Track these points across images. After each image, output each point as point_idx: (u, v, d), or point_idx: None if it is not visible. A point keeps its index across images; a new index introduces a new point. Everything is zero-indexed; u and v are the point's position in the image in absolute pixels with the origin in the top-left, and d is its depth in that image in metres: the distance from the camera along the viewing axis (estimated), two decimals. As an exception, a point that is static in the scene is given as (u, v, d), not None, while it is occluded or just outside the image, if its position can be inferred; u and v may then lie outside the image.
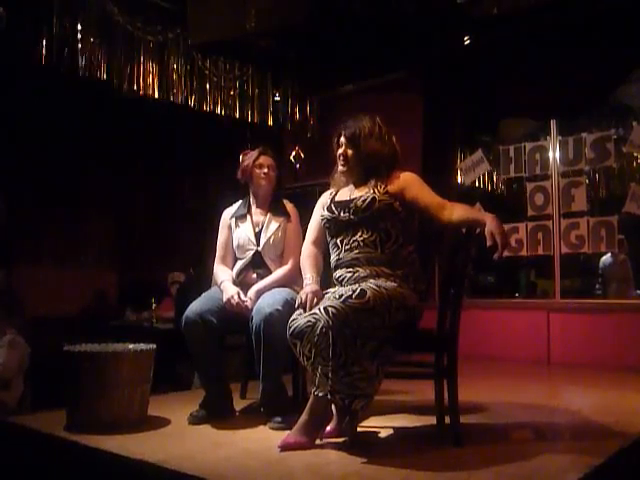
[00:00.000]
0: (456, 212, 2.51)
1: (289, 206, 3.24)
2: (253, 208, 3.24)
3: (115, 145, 6.89)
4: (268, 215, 3.19)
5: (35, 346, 4.83)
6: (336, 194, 2.79)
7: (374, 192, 2.60)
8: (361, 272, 2.57)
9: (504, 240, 2.35)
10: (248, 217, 3.21)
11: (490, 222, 2.38)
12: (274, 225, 3.15)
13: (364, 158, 2.67)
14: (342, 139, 2.72)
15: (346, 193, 2.74)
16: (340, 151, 2.73)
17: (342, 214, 2.64)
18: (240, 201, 3.31)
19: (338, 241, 2.66)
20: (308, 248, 2.82)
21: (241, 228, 3.19)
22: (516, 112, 5.96)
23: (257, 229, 3.16)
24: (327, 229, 2.73)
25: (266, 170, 3.18)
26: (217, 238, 3.29)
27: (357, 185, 2.73)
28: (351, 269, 2.59)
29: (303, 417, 2.43)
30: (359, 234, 2.60)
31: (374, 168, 2.68)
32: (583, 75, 5.09)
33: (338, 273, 2.65)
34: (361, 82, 6.32)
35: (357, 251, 2.59)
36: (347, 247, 2.62)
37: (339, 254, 2.65)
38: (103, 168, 6.93)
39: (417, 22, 5.08)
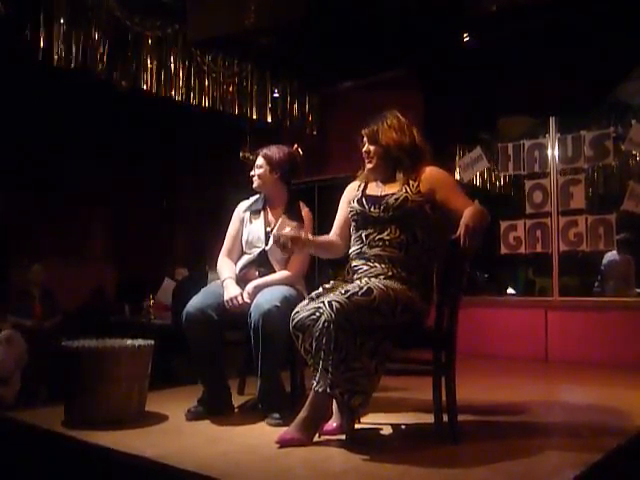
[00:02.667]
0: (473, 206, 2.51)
1: (305, 211, 3.20)
2: (268, 206, 3.21)
3: (113, 143, 6.89)
4: (282, 216, 3.15)
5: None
6: (366, 187, 2.77)
7: (406, 191, 2.60)
8: (378, 269, 2.56)
9: (468, 229, 2.31)
10: (262, 214, 3.18)
11: (467, 211, 2.39)
12: (286, 228, 3.11)
13: (385, 150, 2.67)
14: (364, 138, 2.74)
15: (376, 188, 2.73)
16: (363, 149, 2.74)
17: (372, 209, 2.63)
18: (257, 195, 3.28)
19: (363, 235, 2.65)
20: (332, 237, 2.83)
21: (253, 224, 3.17)
22: (515, 109, 5.95)
23: (268, 228, 3.13)
24: (354, 221, 2.72)
25: (252, 171, 3.19)
26: (216, 234, 3.28)
27: (385, 182, 2.71)
28: (370, 263, 2.59)
29: (302, 413, 2.42)
30: (386, 232, 2.59)
31: (397, 159, 2.67)
32: (582, 73, 5.09)
33: (354, 263, 2.65)
34: (360, 79, 6.32)
35: (381, 249, 2.59)
36: (372, 243, 2.61)
37: (362, 247, 2.64)
38: (102, 166, 6.93)
39: (416, 19, 5.07)
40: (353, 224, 2.74)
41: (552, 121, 5.31)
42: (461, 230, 2.33)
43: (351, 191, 2.83)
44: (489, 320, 5.40)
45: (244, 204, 3.28)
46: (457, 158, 6.19)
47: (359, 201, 2.70)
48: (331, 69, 6.04)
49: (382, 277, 2.52)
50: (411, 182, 2.62)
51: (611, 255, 6.31)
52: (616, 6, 4.69)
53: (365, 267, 2.60)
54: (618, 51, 4.96)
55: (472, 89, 5.72)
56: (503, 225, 5.44)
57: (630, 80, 5.42)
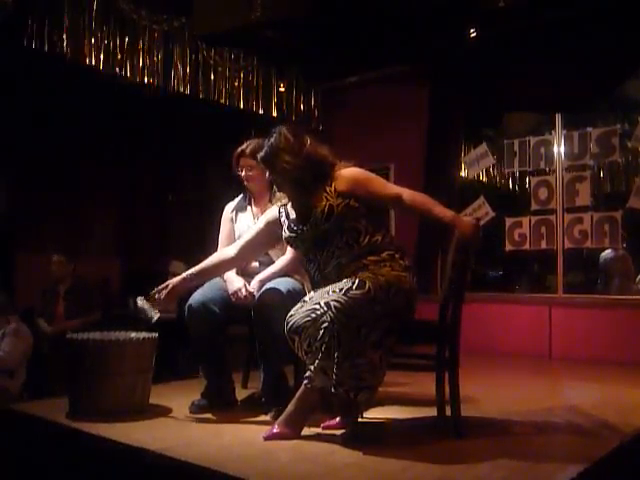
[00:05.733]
0: (417, 205, 2.51)
1: None
2: (254, 200, 3.25)
3: (118, 136, 6.89)
4: (268, 205, 3.15)
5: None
6: (288, 213, 2.71)
7: (327, 199, 2.52)
8: (348, 270, 2.49)
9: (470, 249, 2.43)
10: (249, 209, 3.23)
11: (466, 236, 2.38)
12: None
13: (282, 175, 2.61)
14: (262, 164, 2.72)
15: (296, 210, 2.67)
16: (266, 175, 2.73)
17: (305, 229, 2.56)
18: (241, 195, 3.32)
19: (311, 255, 2.60)
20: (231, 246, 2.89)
21: (242, 220, 3.21)
22: (521, 106, 5.93)
23: (256, 220, 3.15)
24: (296, 247, 2.70)
25: (243, 173, 3.16)
26: (218, 229, 3.30)
27: (297, 203, 2.66)
28: (338, 273, 2.51)
29: (290, 408, 2.44)
30: (330, 241, 2.52)
31: (298, 180, 2.59)
32: (589, 69, 5.06)
33: (326, 282, 2.55)
34: (366, 74, 6.30)
35: (336, 257, 2.52)
36: (324, 259, 2.55)
37: (318, 266, 2.58)
38: (106, 159, 6.93)
39: (422, 15, 5.05)
40: (296, 250, 2.75)
41: (558, 118, 5.30)
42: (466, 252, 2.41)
43: (274, 215, 2.78)
44: (493, 316, 5.40)
45: (230, 205, 3.31)
46: (462, 155, 6.17)
47: (289, 228, 2.64)
48: (337, 63, 6.02)
49: (360, 271, 2.47)
50: (327, 189, 2.55)
51: (607, 253, 6.29)
52: (624, 2, 4.66)
53: (337, 279, 2.51)
54: (625, 48, 4.93)
55: (477, 85, 5.69)
56: (508, 222, 5.43)
57: (637, 77, 5.39)
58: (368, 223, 2.56)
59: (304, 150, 2.59)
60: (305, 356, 2.42)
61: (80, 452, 2.56)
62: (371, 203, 2.57)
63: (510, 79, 5.41)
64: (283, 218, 2.72)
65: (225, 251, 2.90)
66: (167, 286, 2.77)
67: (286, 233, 2.66)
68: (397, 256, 2.54)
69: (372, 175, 2.61)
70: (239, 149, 3.19)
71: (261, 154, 2.66)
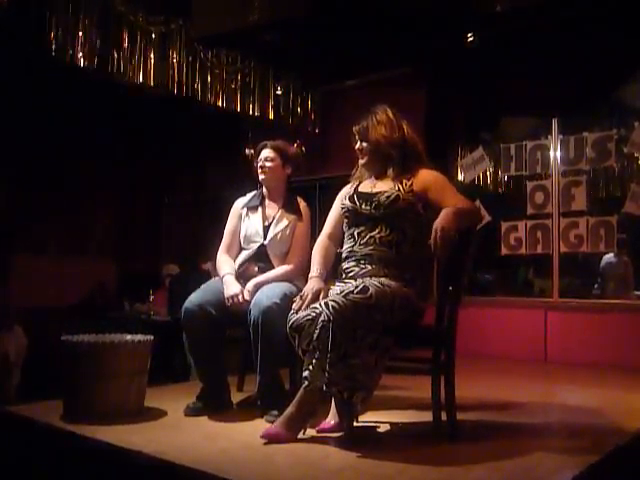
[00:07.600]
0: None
1: (302, 205, 3.21)
2: (266, 201, 3.22)
3: (116, 137, 6.89)
4: (280, 210, 3.16)
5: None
6: (359, 185, 2.78)
7: (399, 189, 2.60)
8: (369, 269, 2.56)
9: (437, 233, 2.35)
10: (260, 209, 3.20)
11: (442, 212, 2.42)
12: (284, 222, 3.13)
13: (375, 146, 2.68)
14: (356, 135, 2.76)
15: (368, 185, 2.74)
16: (356, 146, 2.76)
17: (364, 206, 2.63)
18: (254, 192, 3.29)
19: (355, 233, 2.65)
20: (323, 240, 2.81)
21: (251, 219, 3.18)
22: (518, 110, 5.95)
23: (266, 222, 3.14)
24: (346, 218, 2.73)
25: (261, 163, 3.17)
26: (217, 229, 3.29)
27: (378, 177, 2.73)
28: (361, 264, 2.59)
29: (289, 410, 2.43)
30: (377, 230, 2.59)
31: (387, 155, 2.67)
32: (589, 70, 5.07)
33: (346, 265, 2.65)
34: (363, 77, 6.32)
35: (372, 247, 2.59)
36: (363, 241, 2.61)
37: (353, 246, 2.64)
38: (104, 161, 6.93)
39: (420, 18, 5.06)
40: (345, 221, 2.75)
41: (554, 122, 5.31)
42: (432, 234, 2.36)
43: (346, 190, 2.84)
44: (489, 320, 5.40)
45: (241, 201, 3.29)
46: (459, 158, 6.18)
47: (351, 198, 2.71)
48: (334, 66, 6.03)
49: (375, 278, 2.51)
50: (404, 181, 2.63)
51: (608, 257, 6.30)
52: (620, 6, 4.68)
53: (356, 269, 2.60)
54: (622, 52, 4.95)
55: (474, 89, 5.71)
56: (504, 226, 5.44)
57: (635, 81, 5.41)
58: (419, 234, 2.59)
59: (401, 130, 2.68)
60: (304, 355, 2.42)
61: (74, 455, 2.54)
62: (435, 211, 2.57)
63: (507, 83, 5.43)
64: (351, 187, 2.78)
65: (322, 241, 2.81)
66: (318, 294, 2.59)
67: (345, 200, 2.72)
68: (418, 283, 2.58)
69: (449, 183, 2.67)
70: (263, 142, 3.24)
71: (359, 124, 2.73)
